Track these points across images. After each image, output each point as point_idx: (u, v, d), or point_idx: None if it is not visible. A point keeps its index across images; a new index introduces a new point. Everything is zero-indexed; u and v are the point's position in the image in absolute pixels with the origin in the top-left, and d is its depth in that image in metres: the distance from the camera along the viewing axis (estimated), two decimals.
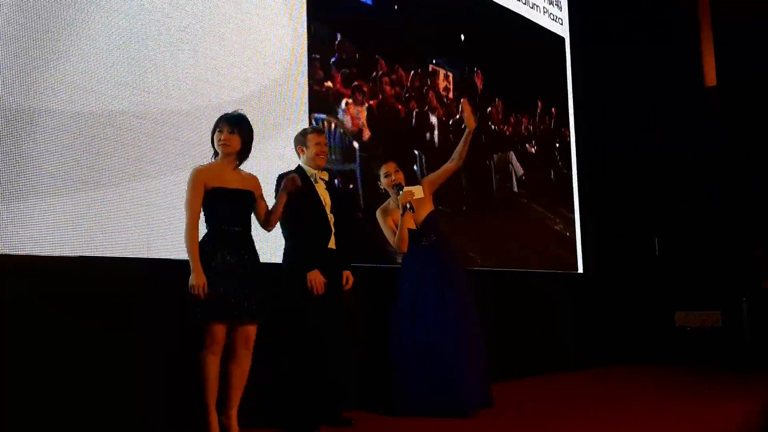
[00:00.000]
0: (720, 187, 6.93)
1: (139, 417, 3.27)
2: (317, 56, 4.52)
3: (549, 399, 4.68)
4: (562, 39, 7.24)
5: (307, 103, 4.40)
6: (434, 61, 5.48)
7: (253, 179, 3.32)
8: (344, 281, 3.80)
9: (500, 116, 6.14)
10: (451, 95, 5.58)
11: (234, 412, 3.17)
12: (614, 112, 7.34)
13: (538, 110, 6.63)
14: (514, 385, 5.12)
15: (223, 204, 3.15)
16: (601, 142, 7.28)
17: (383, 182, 4.23)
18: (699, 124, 7.12)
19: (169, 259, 3.46)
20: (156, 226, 3.51)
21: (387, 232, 4.23)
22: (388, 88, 5.03)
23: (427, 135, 5.34)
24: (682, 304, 6.75)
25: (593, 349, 6.61)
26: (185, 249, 3.05)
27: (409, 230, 4.17)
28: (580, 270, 6.94)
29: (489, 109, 6.03)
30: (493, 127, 6.04)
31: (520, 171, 6.15)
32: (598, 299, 6.88)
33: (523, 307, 5.90)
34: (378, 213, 4.28)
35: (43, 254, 3.06)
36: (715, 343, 6.45)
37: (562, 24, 7.26)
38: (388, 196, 4.30)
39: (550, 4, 7.11)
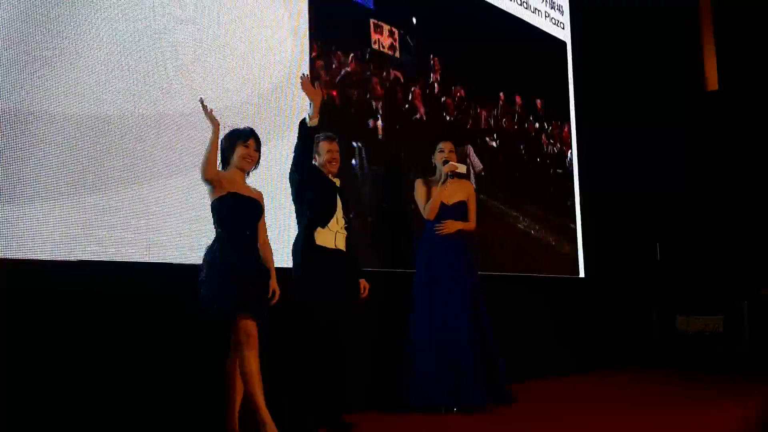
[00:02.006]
0: (722, 192, 6.94)
1: (132, 423, 3.26)
2: (320, 61, 4.53)
3: (550, 402, 4.68)
4: (564, 43, 7.25)
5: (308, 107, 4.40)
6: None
7: (261, 195, 3.39)
8: (362, 290, 3.88)
9: (500, 116, 6.15)
10: (398, 53, 5.10)
11: (235, 415, 3.21)
12: (616, 115, 7.34)
13: (540, 112, 6.64)
14: (515, 388, 5.12)
15: (238, 209, 3.21)
16: (602, 145, 7.28)
17: (436, 156, 4.50)
18: (701, 128, 7.14)
19: (169, 264, 3.47)
20: (156, 230, 3.51)
21: (420, 198, 4.47)
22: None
23: (370, 122, 4.91)
24: (683, 308, 6.75)
25: (595, 353, 6.61)
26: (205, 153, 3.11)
27: (441, 204, 4.41)
28: (582, 274, 6.95)
29: (495, 111, 6.03)
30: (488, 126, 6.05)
31: (479, 166, 5.73)
32: (600, 303, 6.88)
33: (525, 311, 5.89)
34: (418, 181, 4.51)
35: (41, 258, 3.07)
36: (716, 347, 6.45)
37: (563, 28, 7.27)
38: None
39: (552, 8, 7.13)
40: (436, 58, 5.43)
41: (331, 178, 3.84)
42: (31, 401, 2.95)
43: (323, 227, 3.69)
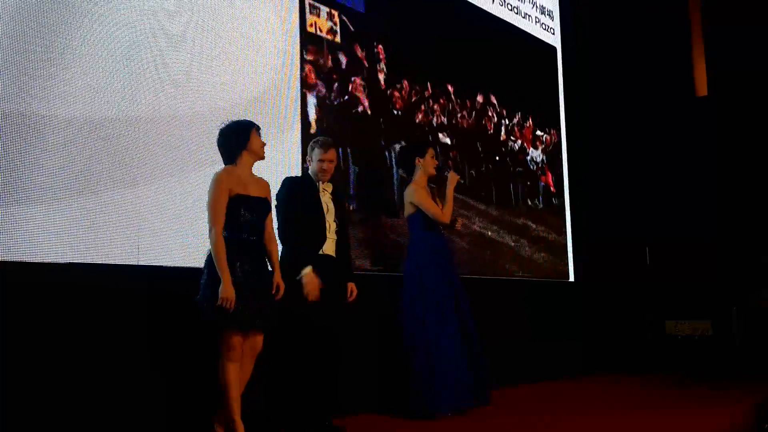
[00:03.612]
0: (711, 197, 6.98)
1: (126, 423, 3.26)
2: (310, 61, 4.53)
3: (539, 407, 4.69)
4: (554, 48, 7.29)
5: (299, 110, 4.41)
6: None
7: (266, 184, 3.35)
8: (348, 293, 3.85)
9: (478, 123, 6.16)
10: (338, 38, 4.78)
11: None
12: (606, 121, 7.38)
13: (529, 121, 6.66)
14: (504, 392, 5.12)
15: (244, 212, 3.15)
16: (592, 150, 7.31)
17: (428, 162, 4.52)
18: (690, 133, 7.18)
19: (161, 267, 3.47)
20: (149, 233, 3.50)
21: (430, 204, 4.45)
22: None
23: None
24: (672, 313, 6.78)
25: (584, 357, 6.62)
26: (213, 258, 3.03)
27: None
28: (572, 278, 6.97)
29: (450, 106, 6.05)
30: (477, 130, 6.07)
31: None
32: (590, 308, 6.90)
33: (514, 315, 5.91)
34: (417, 189, 4.45)
35: (32, 260, 3.05)
36: (705, 351, 6.48)
37: (554, 34, 7.31)
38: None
39: (542, 14, 7.16)
40: (380, 46, 5.06)
41: (322, 187, 3.80)
42: (21, 405, 2.93)
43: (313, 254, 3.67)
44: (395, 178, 5.05)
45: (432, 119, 5.50)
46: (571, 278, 6.96)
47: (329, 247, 3.77)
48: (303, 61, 4.47)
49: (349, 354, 4.04)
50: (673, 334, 6.67)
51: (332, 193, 3.86)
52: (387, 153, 5.05)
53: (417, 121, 5.36)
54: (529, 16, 6.92)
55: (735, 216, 6.81)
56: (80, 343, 3.13)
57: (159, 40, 3.69)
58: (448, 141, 5.61)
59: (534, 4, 7.03)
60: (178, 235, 3.57)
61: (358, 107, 4.87)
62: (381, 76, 5.07)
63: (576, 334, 6.63)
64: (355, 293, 3.87)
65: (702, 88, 7.37)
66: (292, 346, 3.57)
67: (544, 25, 7.15)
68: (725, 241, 6.81)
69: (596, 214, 7.22)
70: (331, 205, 3.81)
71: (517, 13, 6.73)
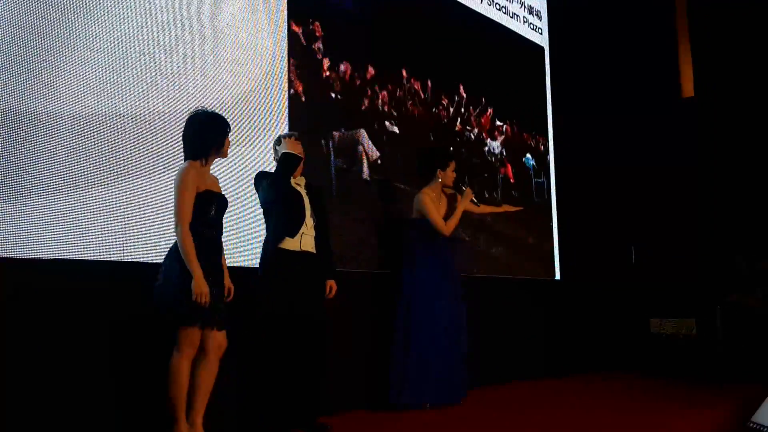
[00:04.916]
0: (696, 196, 7.03)
1: (113, 418, 3.26)
2: (295, 62, 4.52)
3: (523, 404, 4.72)
4: (542, 48, 7.31)
5: (287, 109, 4.40)
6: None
7: (218, 180, 3.30)
8: (328, 290, 3.84)
9: (477, 121, 6.17)
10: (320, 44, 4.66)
11: (200, 420, 3.10)
12: (592, 120, 7.41)
13: (513, 124, 6.68)
14: (487, 390, 5.15)
15: (210, 208, 3.14)
16: (579, 149, 7.34)
17: (449, 175, 4.73)
18: (676, 133, 7.22)
19: (147, 263, 3.45)
20: (135, 230, 3.49)
21: (435, 215, 4.60)
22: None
23: None
24: (657, 311, 6.82)
25: (569, 356, 6.65)
26: (182, 254, 2.99)
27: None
28: (558, 277, 7.00)
29: (472, 116, 6.04)
30: (470, 132, 6.07)
31: (375, 154, 5.06)
32: (575, 306, 6.93)
33: (500, 313, 5.92)
34: (424, 198, 4.62)
35: (15, 256, 3.03)
36: (689, 350, 6.52)
37: (542, 33, 7.33)
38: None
39: (530, 13, 7.18)
40: (317, 23, 4.71)
41: (294, 183, 3.77)
42: (13, 397, 2.92)
43: (292, 237, 3.68)
44: (333, 166, 4.75)
45: (379, 105, 5.18)
46: (557, 276, 6.99)
47: (308, 244, 3.74)
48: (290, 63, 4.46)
49: (335, 352, 4.05)
50: (658, 333, 6.70)
51: (306, 188, 3.83)
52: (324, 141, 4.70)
53: (362, 108, 5.04)
54: (517, 16, 6.93)
55: (720, 215, 6.85)
56: (66, 340, 3.12)
57: (147, 39, 3.68)
58: (395, 129, 5.28)
59: (522, 3, 7.05)
60: (164, 231, 3.55)
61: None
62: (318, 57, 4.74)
63: (560, 332, 6.66)
64: (334, 290, 3.86)
65: (688, 89, 7.41)
66: (274, 345, 3.57)
67: (531, 25, 7.17)
68: (710, 240, 6.85)
69: (582, 213, 7.25)
70: (307, 201, 3.78)
71: (505, 13, 6.74)
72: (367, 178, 4.97)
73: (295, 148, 3.72)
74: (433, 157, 4.81)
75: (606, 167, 7.32)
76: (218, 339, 3.14)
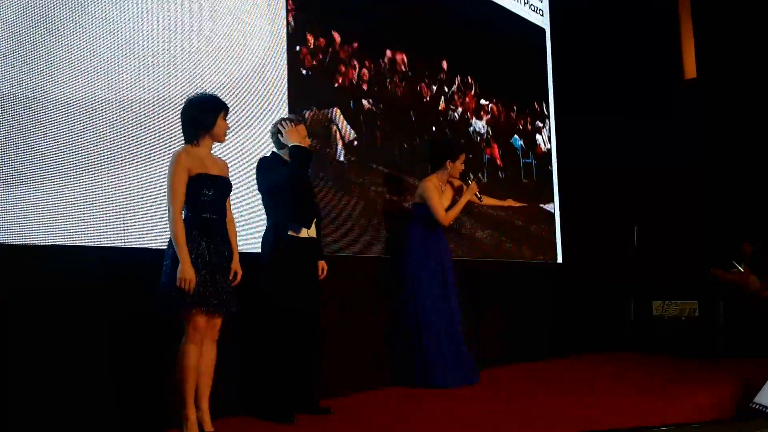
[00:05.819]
0: (699, 178, 7.00)
1: (115, 406, 3.26)
2: (297, 47, 4.49)
3: (527, 386, 4.73)
4: (543, 30, 7.26)
5: (287, 90, 4.37)
6: None
7: (226, 165, 3.29)
8: (320, 271, 3.84)
9: (473, 105, 6.14)
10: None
11: (206, 405, 3.10)
12: (594, 102, 7.36)
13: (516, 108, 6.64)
14: (492, 372, 5.17)
15: (206, 191, 3.09)
16: (581, 131, 7.30)
17: (457, 167, 4.83)
18: (679, 115, 7.18)
19: (147, 249, 3.44)
20: (135, 215, 3.48)
21: (437, 203, 4.69)
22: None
23: None
24: (659, 293, 6.81)
25: (571, 338, 6.67)
26: (172, 238, 2.99)
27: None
28: (560, 260, 6.99)
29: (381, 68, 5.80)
30: (475, 118, 6.04)
31: (351, 135, 4.84)
32: (577, 288, 6.93)
33: (503, 296, 5.93)
34: (429, 185, 4.73)
35: (14, 243, 3.02)
36: (692, 332, 6.51)
37: (542, 15, 7.27)
38: None
39: None
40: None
41: None
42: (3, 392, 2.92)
43: (308, 228, 3.70)
44: None
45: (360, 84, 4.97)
46: (560, 259, 6.98)
47: (314, 230, 3.77)
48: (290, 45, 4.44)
49: (332, 336, 4.12)
50: (660, 315, 6.70)
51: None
52: None
53: (336, 85, 4.77)
54: None
55: (723, 198, 6.83)
56: (64, 326, 3.11)
57: (145, 22, 3.65)
58: (373, 108, 5.05)
59: None
60: (163, 217, 3.54)
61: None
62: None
63: (563, 314, 6.67)
64: (326, 270, 3.87)
65: (690, 71, 7.37)
66: (273, 329, 3.57)
67: (532, 6, 7.11)
68: (713, 222, 6.84)
69: (584, 195, 7.22)
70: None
71: None
72: (342, 159, 4.79)
73: (299, 134, 3.70)
74: (445, 148, 4.95)
75: (609, 148, 7.28)
76: (213, 323, 3.12)
